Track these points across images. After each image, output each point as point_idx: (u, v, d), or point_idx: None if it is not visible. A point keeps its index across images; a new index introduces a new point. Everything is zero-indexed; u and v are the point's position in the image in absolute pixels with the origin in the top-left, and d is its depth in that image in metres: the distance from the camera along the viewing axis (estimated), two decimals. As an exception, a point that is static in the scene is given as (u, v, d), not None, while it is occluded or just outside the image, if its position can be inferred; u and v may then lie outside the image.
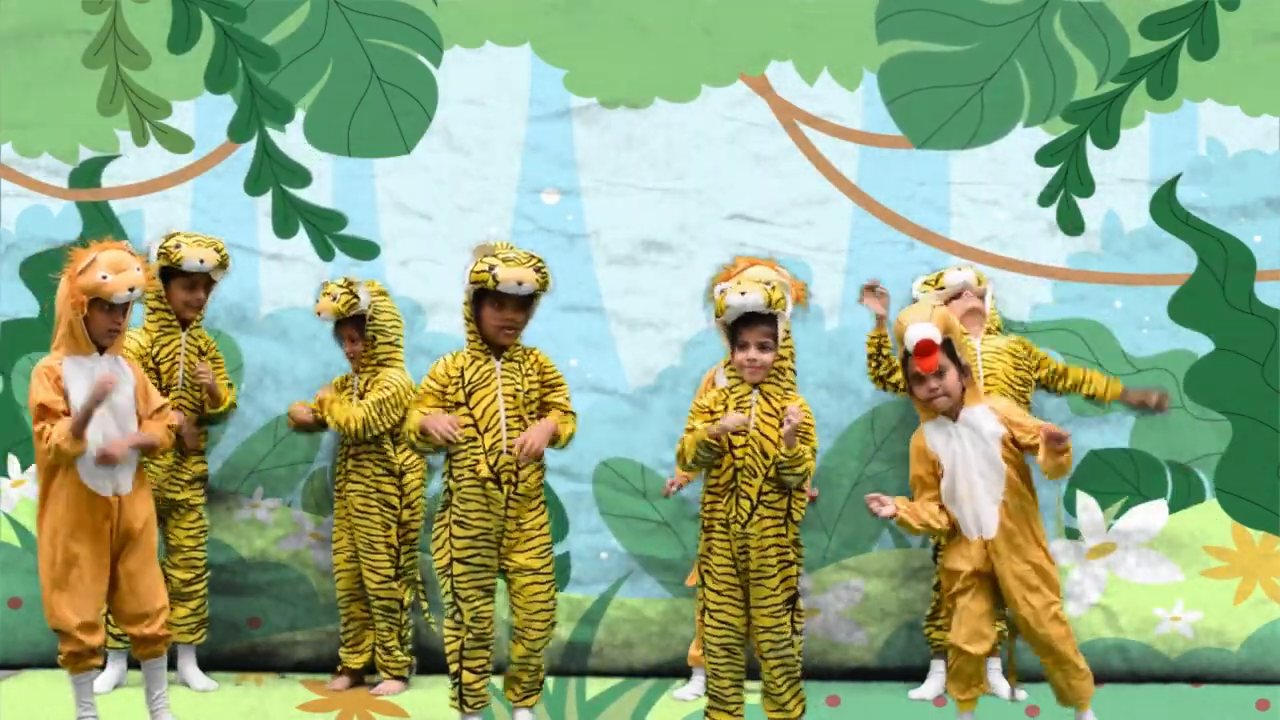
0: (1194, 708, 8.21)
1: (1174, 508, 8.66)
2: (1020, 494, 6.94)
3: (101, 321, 6.98)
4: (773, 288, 6.86)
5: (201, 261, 8.28)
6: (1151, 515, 8.65)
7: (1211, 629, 8.60)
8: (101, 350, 7.02)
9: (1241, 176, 8.70)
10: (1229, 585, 8.62)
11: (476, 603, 7.19)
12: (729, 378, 6.97)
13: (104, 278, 6.91)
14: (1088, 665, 7.07)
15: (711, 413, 6.94)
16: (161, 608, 7.17)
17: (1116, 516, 8.65)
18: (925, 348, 6.81)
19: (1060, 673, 7.05)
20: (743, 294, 6.84)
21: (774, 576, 6.89)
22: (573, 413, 7.24)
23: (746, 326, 6.86)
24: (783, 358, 6.88)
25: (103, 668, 7.82)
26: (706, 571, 6.98)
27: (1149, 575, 8.64)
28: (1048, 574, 6.97)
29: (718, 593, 6.94)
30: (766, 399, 6.87)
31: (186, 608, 8.36)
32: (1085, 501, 8.64)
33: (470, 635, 7.21)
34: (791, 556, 6.93)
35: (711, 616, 6.97)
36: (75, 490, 6.97)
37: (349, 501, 8.34)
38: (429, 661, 8.56)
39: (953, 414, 6.93)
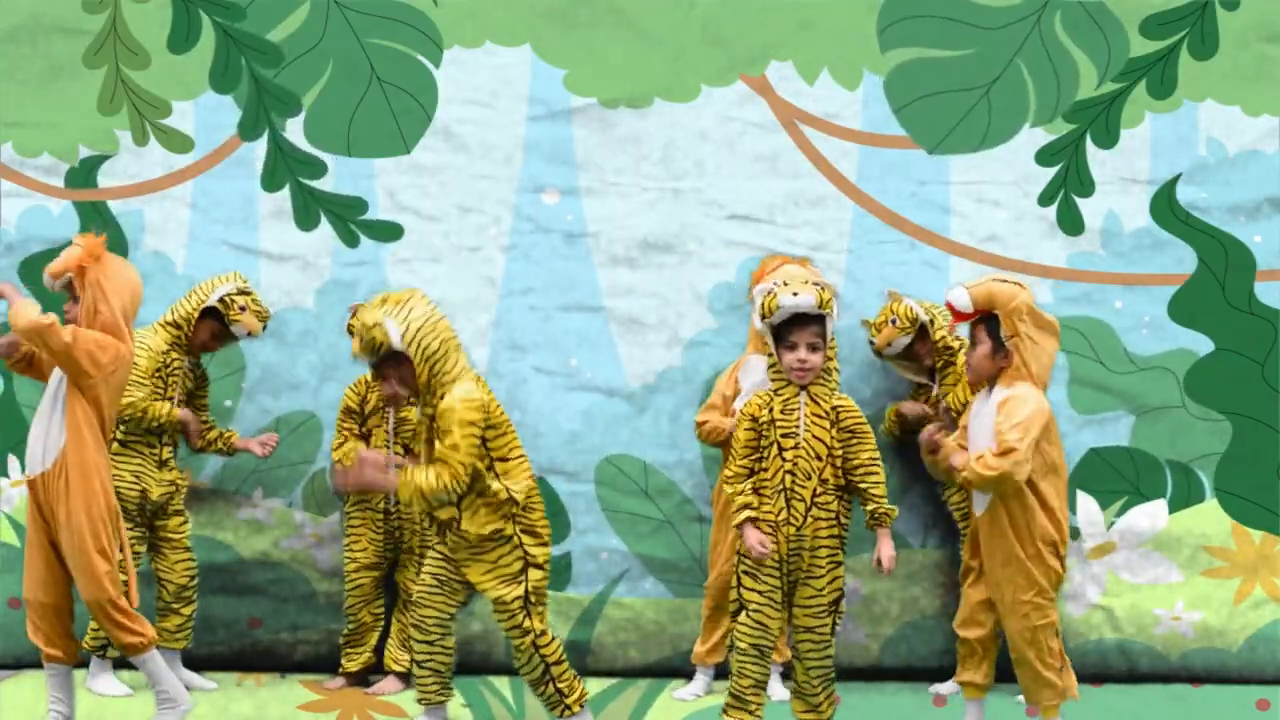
0: (1194, 708, 8.22)
1: (1174, 508, 8.66)
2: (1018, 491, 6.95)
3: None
4: (823, 288, 6.82)
5: (248, 334, 8.30)
6: (1151, 515, 8.66)
7: (1211, 629, 8.60)
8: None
9: (1241, 176, 8.70)
10: (1229, 585, 8.62)
11: (426, 589, 7.19)
12: (774, 380, 6.92)
13: None
14: (1062, 678, 7.01)
15: (755, 419, 6.87)
16: (104, 597, 7.08)
17: (1116, 516, 8.66)
18: (948, 310, 7.02)
19: (1020, 672, 7.06)
20: (795, 295, 6.79)
21: (823, 577, 6.87)
22: (446, 462, 6.89)
23: (796, 327, 6.80)
24: (829, 358, 6.85)
25: (78, 665, 7.71)
26: (746, 572, 6.92)
27: (1149, 575, 8.64)
28: (1028, 570, 6.92)
29: (759, 593, 6.88)
30: (815, 400, 6.84)
31: (182, 615, 8.34)
32: (1085, 501, 8.64)
33: (411, 620, 7.24)
34: (840, 558, 6.92)
35: (749, 616, 6.89)
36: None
37: (402, 506, 8.29)
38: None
39: (989, 388, 7.00)
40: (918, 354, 8.39)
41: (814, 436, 6.82)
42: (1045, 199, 8.74)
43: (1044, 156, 8.73)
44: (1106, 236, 8.72)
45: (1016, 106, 8.71)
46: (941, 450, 7.01)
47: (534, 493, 7.18)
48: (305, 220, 8.74)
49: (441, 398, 6.94)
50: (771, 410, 6.87)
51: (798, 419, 6.84)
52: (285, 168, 8.75)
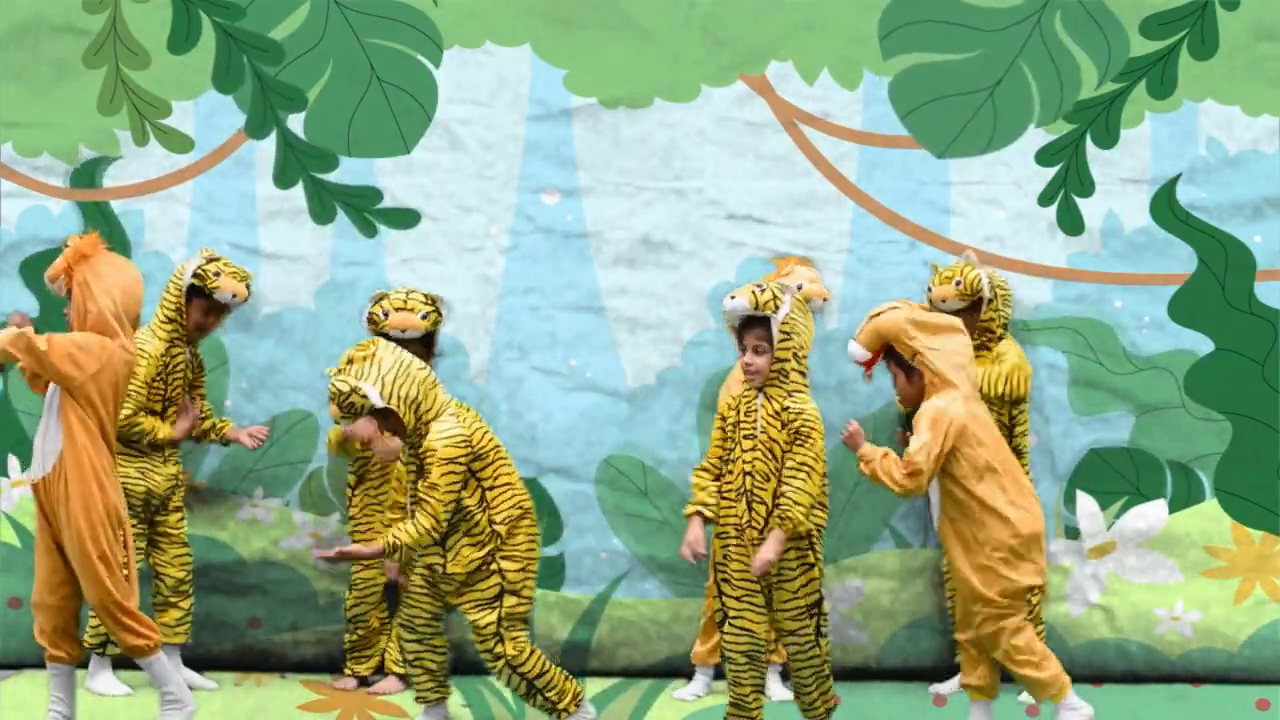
0: (1194, 708, 8.22)
1: (1174, 508, 8.66)
2: (955, 500, 6.94)
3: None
4: (762, 290, 6.85)
5: (234, 296, 8.27)
6: (1151, 515, 8.65)
7: (1211, 629, 8.60)
8: None
9: (1241, 176, 8.70)
10: (1229, 585, 8.62)
11: (415, 589, 7.28)
12: (742, 383, 6.99)
13: None
14: (1047, 670, 6.98)
15: (724, 418, 7.00)
16: (109, 598, 7.11)
17: (1116, 516, 8.65)
18: (857, 364, 7.14)
19: (1014, 674, 7.09)
20: (732, 298, 6.89)
21: (795, 579, 6.88)
22: (425, 502, 6.97)
23: (744, 330, 6.89)
24: (783, 359, 6.85)
25: (79, 665, 7.72)
26: (724, 580, 6.95)
27: (1149, 575, 8.64)
28: (968, 581, 6.92)
29: (736, 599, 6.91)
30: (770, 401, 6.87)
31: (181, 609, 8.35)
32: (1085, 501, 8.64)
33: (400, 619, 7.36)
34: (811, 559, 6.92)
35: (730, 624, 6.92)
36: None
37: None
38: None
39: None
40: (962, 321, 8.38)
41: (769, 438, 6.85)
42: (1045, 199, 8.74)
43: (1044, 156, 8.73)
44: (1106, 236, 8.72)
45: (1021, 108, 8.70)
46: (856, 443, 7.01)
47: (521, 519, 7.19)
48: (321, 214, 8.74)
49: (425, 436, 7.05)
50: (738, 412, 6.94)
51: (755, 420, 6.87)
52: (297, 163, 8.75)
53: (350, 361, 7.09)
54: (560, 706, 7.24)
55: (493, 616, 7.13)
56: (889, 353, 7.04)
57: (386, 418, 7.11)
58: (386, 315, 8.21)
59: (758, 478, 6.84)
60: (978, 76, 8.70)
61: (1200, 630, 8.60)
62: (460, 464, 7.01)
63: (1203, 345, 8.67)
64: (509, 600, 7.14)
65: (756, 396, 6.90)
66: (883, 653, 8.71)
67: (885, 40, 8.72)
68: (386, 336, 8.05)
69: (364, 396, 7.01)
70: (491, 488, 7.13)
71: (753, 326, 6.86)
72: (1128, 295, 8.69)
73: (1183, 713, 8.14)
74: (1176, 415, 8.66)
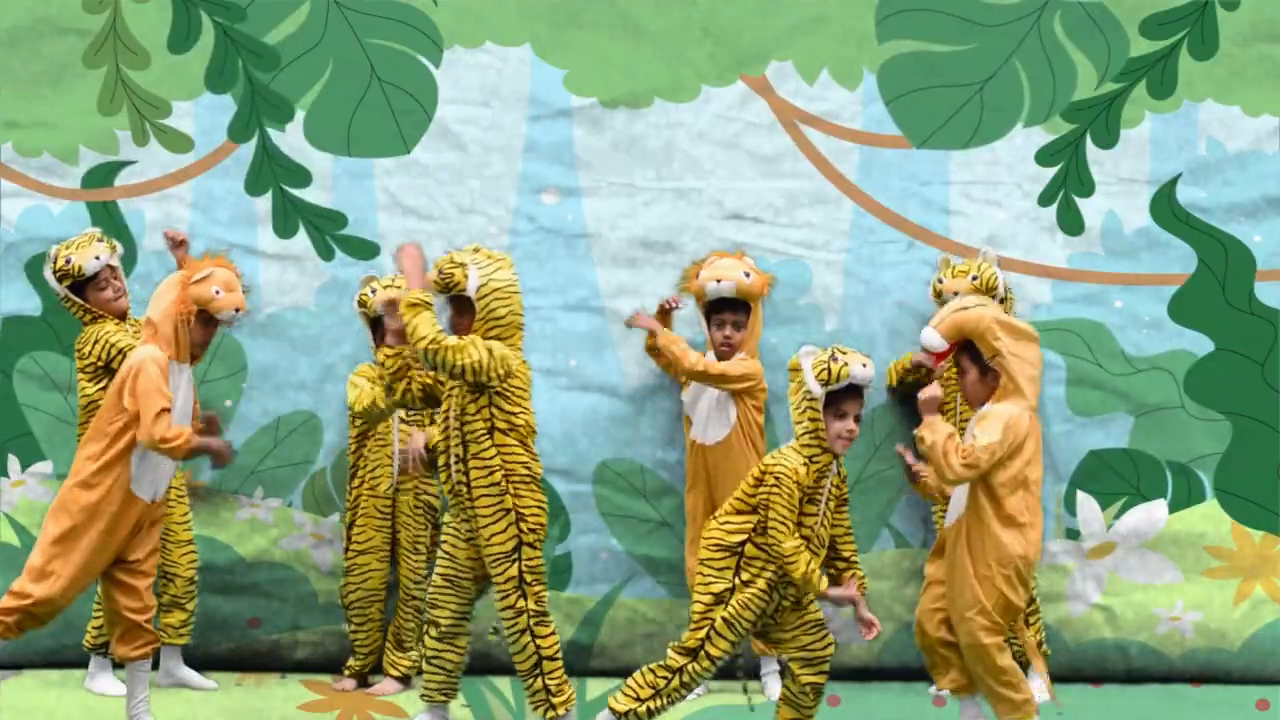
0: (1194, 708, 8.22)
1: (1174, 508, 8.66)
2: (980, 506, 6.92)
3: (198, 334, 7.20)
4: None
5: (98, 259, 8.09)
6: (1151, 515, 8.66)
7: (1211, 629, 8.60)
8: (193, 361, 7.21)
9: (1241, 176, 8.71)
10: (1229, 585, 8.63)
11: (437, 589, 7.29)
12: (808, 447, 6.80)
13: (216, 293, 7.17)
14: (1023, 692, 6.93)
15: (804, 486, 6.78)
16: (153, 605, 7.31)
17: (1116, 516, 8.66)
18: (925, 354, 7.20)
19: (976, 681, 7.05)
20: (864, 366, 6.77)
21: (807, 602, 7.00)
22: (458, 344, 6.90)
23: (851, 398, 6.78)
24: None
25: (77, 665, 7.75)
26: (728, 621, 6.88)
27: (1149, 575, 8.65)
28: (974, 588, 6.90)
29: (740, 633, 6.89)
30: (837, 471, 6.90)
31: (187, 610, 8.35)
32: (1085, 502, 8.65)
33: (425, 619, 7.36)
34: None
35: (696, 665, 6.87)
36: (121, 487, 7.12)
37: (399, 503, 8.33)
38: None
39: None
40: None
41: (828, 506, 6.86)
42: (1045, 199, 8.74)
43: (1044, 156, 8.73)
44: (1106, 236, 8.73)
45: (1009, 105, 8.71)
46: (930, 415, 6.95)
47: (530, 482, 7.20)
48: (283, 228, 8.74)
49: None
50: (807, 471, 6.82)
51: (825, 486, 6.86)
52: (270, 173, 8.75)
53: (477, 250, 7.16)
54: (555, 701, 7.24)
55: (514, 570, 7.15)
56: (964, 348, 7.01)
57: (462, 311, 7.12)
58: (375, 293, 8.25)
59: (814, 542, 6.85)
60: (970, 70, 8.71)
61: (1200, 630, 8.60)
62: (496, 360, 6.93)
63: (1202, 345, 8.68)
64: (527, 553, 7.17)
65: (830, 463, 6.85)
66: (883, 653, 8.71)
67: (881, 24, 8.72)
68: (374, 318, 8.19)
69: (465, 277, 7.05)
70: (504, 394, 7.05)
71: (859, 395, 6.82)
72: (1128, 295, 8.70)
73: (1183, 713, 8.14)
74: (1176, 416, 8.66)
